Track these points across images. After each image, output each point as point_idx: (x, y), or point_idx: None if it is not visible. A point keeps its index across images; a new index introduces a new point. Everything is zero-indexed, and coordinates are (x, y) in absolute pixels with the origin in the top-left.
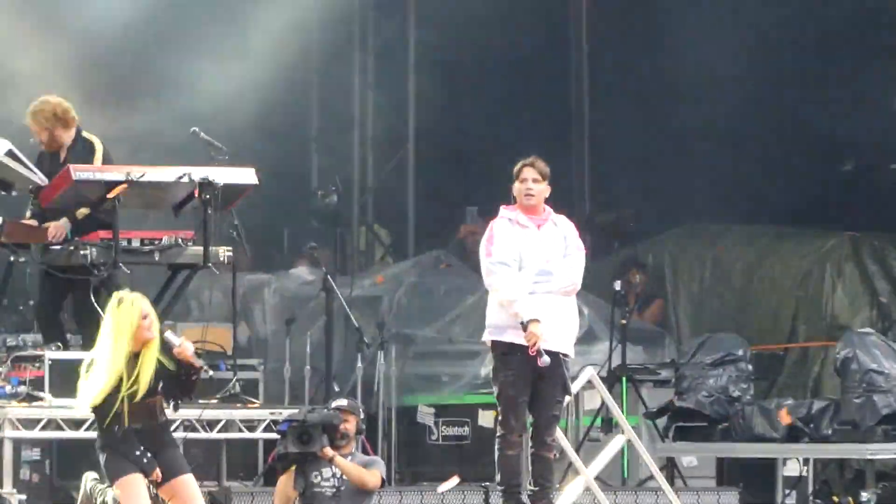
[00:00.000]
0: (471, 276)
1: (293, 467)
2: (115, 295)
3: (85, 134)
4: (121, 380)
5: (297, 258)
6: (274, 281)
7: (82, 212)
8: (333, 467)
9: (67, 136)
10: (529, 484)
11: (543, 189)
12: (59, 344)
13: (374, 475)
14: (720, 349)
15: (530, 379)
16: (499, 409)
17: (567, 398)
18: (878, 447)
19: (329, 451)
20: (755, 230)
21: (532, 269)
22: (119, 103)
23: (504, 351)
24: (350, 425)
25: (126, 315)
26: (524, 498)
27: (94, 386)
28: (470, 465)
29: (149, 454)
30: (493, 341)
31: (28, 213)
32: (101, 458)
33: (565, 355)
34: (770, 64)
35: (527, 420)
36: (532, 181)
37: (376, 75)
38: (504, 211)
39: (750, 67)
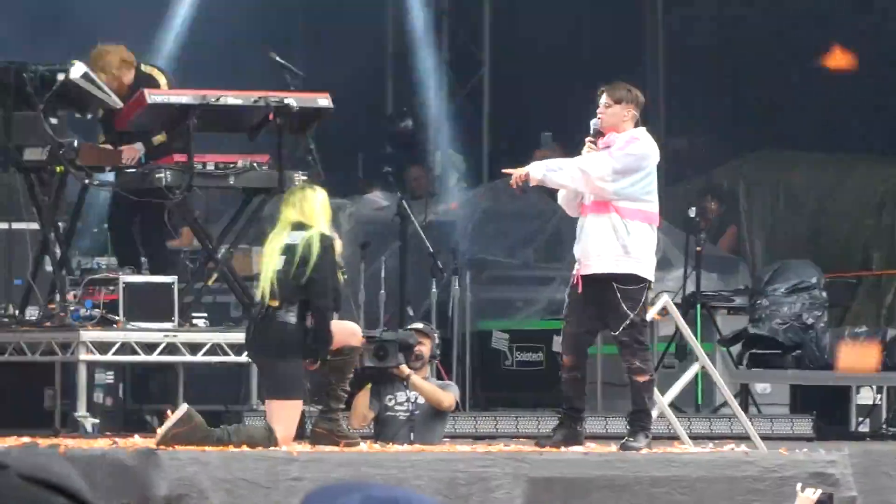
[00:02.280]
0: (546, 200)
1: (368, 386)
2: (301, 184)
3: (144, 68)
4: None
5: (371, 183)
6: (349, 205)
7: (158, 139)
8: (408, 391)
9: (130, 77)
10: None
11: (615, 112)
12: (133, 266)
13: (448, 395)
14: (794, 277)
15: (580, 303)
16: None
17: (626, 322)
18: None
19: (405, 369)
20: (829, 157)
21: None
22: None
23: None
24: (425, 348)
25: (326, 199)
26: (577, 425)
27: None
28: (544, 390)
29: None
30: None
31: (101, 139)
32: (289, 366)
33: (613, 277)
34: None
35: (577, 344)
36: (604, 106)
37: None
38: None
39: None
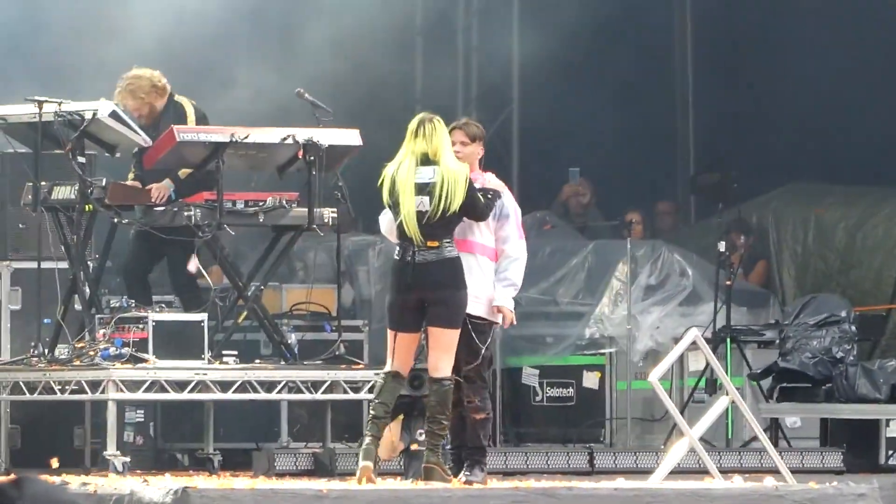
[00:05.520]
0: (574, 236)
1: (400, 417)
2: (426, 115)
3: (176, 98)
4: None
5: None
6: (378, 242)
7: (185, 171)
8: None
9: (161, 104)
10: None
11: (472, 150)
12: (163, 305)
13: None
14: (824, 310)
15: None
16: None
17: (477, 357)
18: None
19: None
20: (858, 191)
21: None
22: (224, 72)
23: None
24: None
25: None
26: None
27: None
28: (574, 426)
29: None
30: None
31: (131, 176)
32: (462, 296)
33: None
34: (872, 24)
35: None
36: (460, 144)
37: (480, 36)
38: None
39: (854, 27)
